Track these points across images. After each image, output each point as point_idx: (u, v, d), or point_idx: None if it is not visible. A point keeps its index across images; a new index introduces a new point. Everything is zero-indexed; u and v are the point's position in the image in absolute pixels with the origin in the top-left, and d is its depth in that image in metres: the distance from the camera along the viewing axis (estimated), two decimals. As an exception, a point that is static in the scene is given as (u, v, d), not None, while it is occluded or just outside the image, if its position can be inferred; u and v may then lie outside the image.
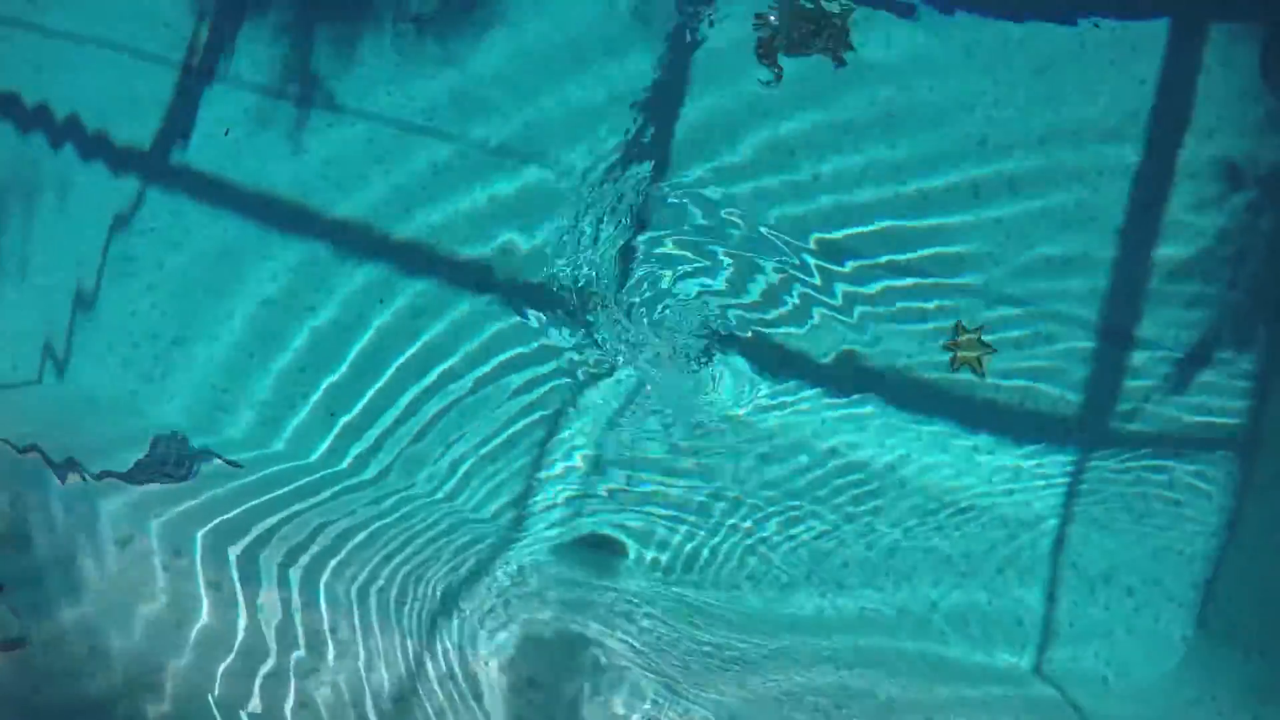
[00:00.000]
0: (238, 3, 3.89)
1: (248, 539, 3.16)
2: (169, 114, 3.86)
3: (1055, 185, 3.32)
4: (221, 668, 3.06)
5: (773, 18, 3.52)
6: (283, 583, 3.12)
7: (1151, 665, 3.19)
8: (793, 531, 3.45)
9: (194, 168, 3.84)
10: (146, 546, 3.13)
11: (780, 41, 3.51)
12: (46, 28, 3.85)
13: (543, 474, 3.57)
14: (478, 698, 3.02)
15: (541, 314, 3.61)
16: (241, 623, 3.11)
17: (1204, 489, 3.19)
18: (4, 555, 3.08)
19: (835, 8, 3.45)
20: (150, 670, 3.03)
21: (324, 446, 3.68)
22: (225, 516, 3.24)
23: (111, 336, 3.76)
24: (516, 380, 3.60)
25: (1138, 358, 3.24)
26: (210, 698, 3.06)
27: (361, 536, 3.30)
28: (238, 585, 3.11)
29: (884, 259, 3.42)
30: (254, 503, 3.33)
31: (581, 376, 3.57)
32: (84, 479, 3.14)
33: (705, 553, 3.47)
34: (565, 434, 3.57)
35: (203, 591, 3.10)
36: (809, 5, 3.47)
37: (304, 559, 3.16)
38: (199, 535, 3.17)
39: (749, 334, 3.48)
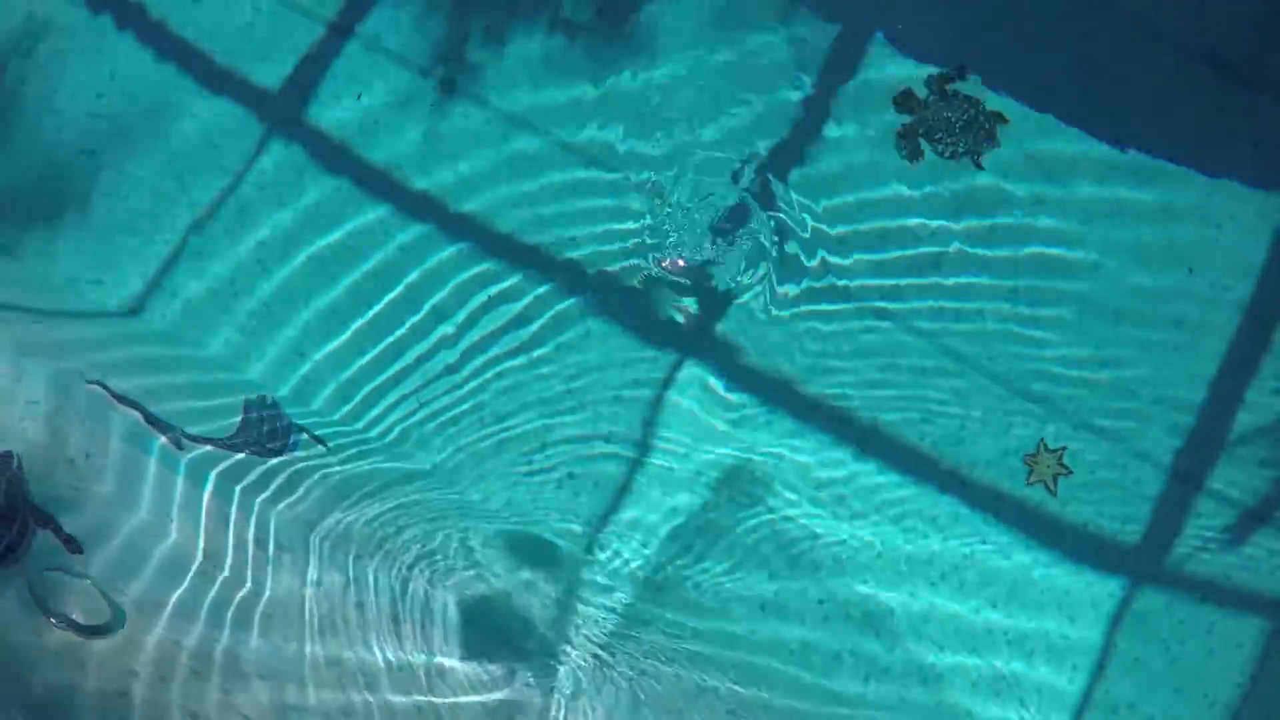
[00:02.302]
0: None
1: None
2: (302, 66, 3.96)
3: (1158, 325, 3.61)
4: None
5: (920, 98, 3.75)
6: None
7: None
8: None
9: (320, 126, 3.94)
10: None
11: (926, 127, 3.74)
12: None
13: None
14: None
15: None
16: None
17: (1238, 643, 3.50)
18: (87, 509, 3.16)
19: (990, 107, 3.70)
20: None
21: (396, 432, 3.80)
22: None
23: (212, 282, 3.84)
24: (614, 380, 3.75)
25: (1204, 504, 3.56)
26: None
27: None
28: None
29: (984, 364, 3.67)
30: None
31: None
32: (179, 444, 3.23)
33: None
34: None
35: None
36: (965, 96, 3.72)
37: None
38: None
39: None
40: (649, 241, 3.84)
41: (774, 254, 3.80)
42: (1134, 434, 3.63)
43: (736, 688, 3.56)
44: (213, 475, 3.29)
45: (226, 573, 3.08)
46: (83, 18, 3.99)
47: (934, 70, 3.80)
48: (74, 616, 2.99)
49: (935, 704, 3.62)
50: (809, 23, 3.91)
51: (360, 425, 3.74)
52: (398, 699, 3.17)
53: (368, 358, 3.81)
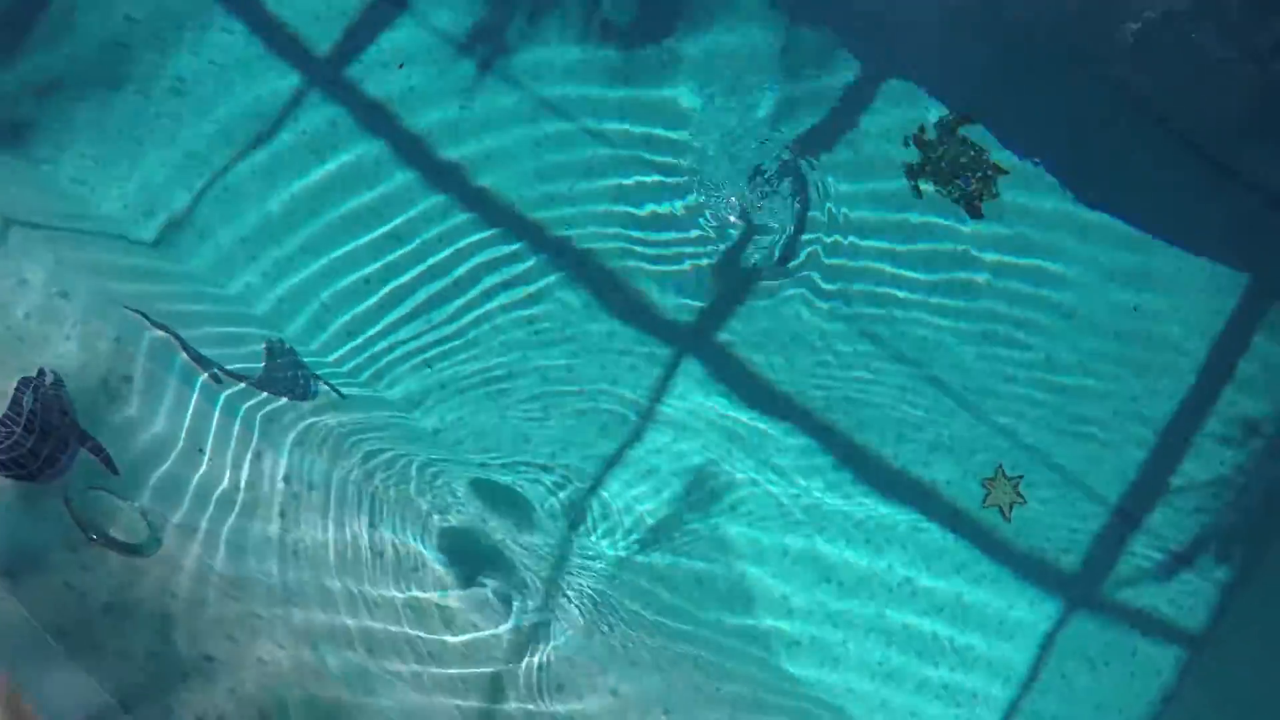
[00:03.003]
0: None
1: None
2: (352, 30, 4.10)
3: (1119, 375, 4.00)
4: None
5: (930, 138, 4.06)
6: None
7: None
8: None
9: (361, 88, 4.08)
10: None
11: (928, 165, 4.06)
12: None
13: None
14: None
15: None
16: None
17: (1157, 669, 3.90)
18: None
19: (994, 158, 4.04)
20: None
21: (403, 390, 3.97)
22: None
23: (240, 226, 3.96)
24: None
25: (1139, 542, 3.95)
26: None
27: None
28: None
29: (959, 392, 4.01)
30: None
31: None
32: (218, 379, 3.34)
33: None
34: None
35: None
36: (971, 142, 4.04)
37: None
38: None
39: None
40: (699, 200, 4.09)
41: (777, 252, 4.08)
42: (1086, 471, 4.00)
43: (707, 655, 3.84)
44: (243, 409, 3.43)
45: (257, 503, 3.23)
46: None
47: (944, 113, 4.13)
48: (112, 534, 3.09)
49: (882, 700, 3.95)
50: (827, 53, 4.21)
51: (370, 377, 3.93)
52: (414, 632, 3.36)
53: (387, 318, 3.99)
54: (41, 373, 3.25)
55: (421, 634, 3.31)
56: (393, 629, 3.30)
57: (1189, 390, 3.99)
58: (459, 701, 3.41)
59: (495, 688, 3.45)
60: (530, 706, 3.38)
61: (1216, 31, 3.96)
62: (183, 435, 3.28)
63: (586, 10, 4.20)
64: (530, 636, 3.45)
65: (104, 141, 4.04)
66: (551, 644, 3.44)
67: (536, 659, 3.44)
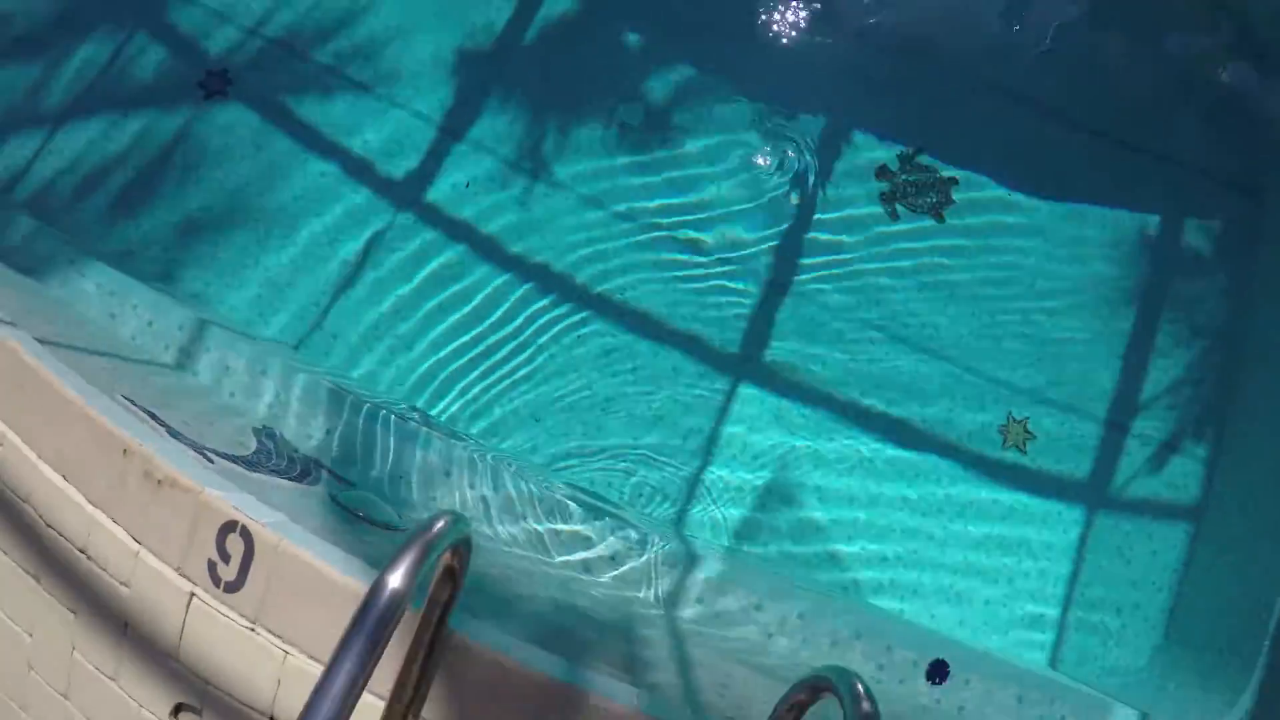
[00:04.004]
0: (484, 86, 5.20)
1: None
2: (424, 161, 5.05)
3: (1082, 328, 5.07)
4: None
5: (894, 169, 5.17)
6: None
7: (1133, 660, 4.69)
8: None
9: (438, 205, 5.02)
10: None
11: (899, 191, 5.16)
12: (352, 79, 5.04)
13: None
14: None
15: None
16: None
17: (1172, 543, 4.82)
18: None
19: (945, 174, 5.17)
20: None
21: (520, 440, 4.76)
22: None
23: (360, 324, 4.82)
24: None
25: (1131, 445, 4.94)
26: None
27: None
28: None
29: (962, 360, 5.03)
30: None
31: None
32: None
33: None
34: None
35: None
36: (925, 165, 5.18)
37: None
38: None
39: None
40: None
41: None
42: (1075, 400, 5.01)
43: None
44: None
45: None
46: (252, 122, 5.12)
47: (901, 149, 5.28)
48: (372, 515, 3.75)
49: (960, 618, 4.74)
50: (801, 118, 5.36)
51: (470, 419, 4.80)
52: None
53: (488, 377, 4.85)
54: (265, 427, 3.97)
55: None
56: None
57: (1136, 317, 5.11)
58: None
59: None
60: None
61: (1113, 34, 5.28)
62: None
63: (605, 119, 5.26)
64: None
65: (240, 272, 4.94)
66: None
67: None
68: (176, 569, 3.18)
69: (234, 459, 3.58)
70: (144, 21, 5.38)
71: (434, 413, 4.79)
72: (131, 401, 3.72)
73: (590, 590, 4.17)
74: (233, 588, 3.05)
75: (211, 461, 3.44)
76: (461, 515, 2.27)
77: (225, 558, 3.03)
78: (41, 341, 3.74)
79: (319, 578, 2.86)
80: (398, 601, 1.90)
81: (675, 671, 3.66)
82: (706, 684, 3.64)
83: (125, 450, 3.31)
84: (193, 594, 3.15)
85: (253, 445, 3.86)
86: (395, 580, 1.93)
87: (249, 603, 3.04)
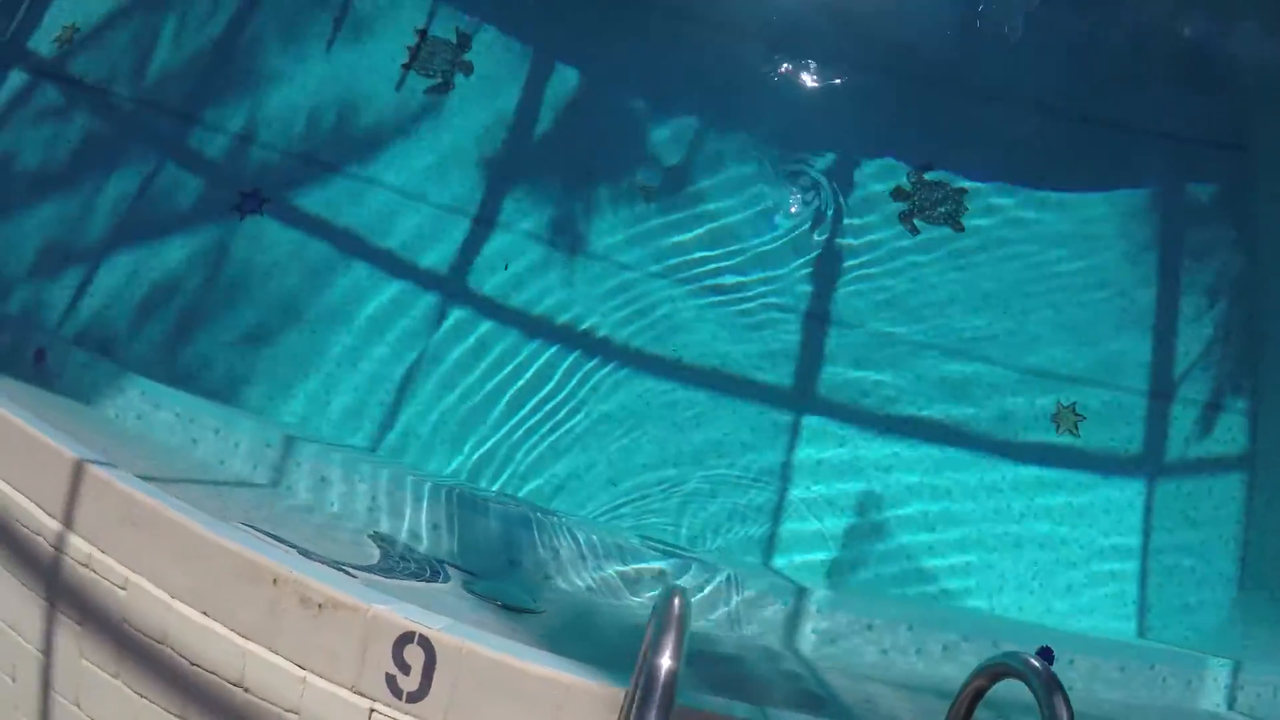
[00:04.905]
0: (506, 171, 5.36)
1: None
2: (461, 250, 5.19)
3: (1108, 309, 5.32)
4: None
5: (907, 189, 5.40)
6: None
7: (1214, 615, 4.91)
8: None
9: (483, 292, 5.16)
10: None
11: (915, 208, 5.38)
12: (381, 182, 5.17)
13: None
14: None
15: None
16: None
17: (1231, 495, 5.05)
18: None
19: (955, 184, 5.40)
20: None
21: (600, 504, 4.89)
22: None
23: (430, 417, 4.91)
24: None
25: (1177, 410, 5.21)
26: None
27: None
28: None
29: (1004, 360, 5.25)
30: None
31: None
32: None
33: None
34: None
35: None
36: (934, 180, 5.41)
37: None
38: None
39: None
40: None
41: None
42: (1115, 380, 5.25)
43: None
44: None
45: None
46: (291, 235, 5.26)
47: (910, 168, 5.52)
48: (509, 602, 3.84)
49: (1046, 606, 4.93)
50: (812, 155, 5.59)
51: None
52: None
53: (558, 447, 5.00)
54: (378, 533, 4.06)
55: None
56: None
57: (1158, 287, 5.42)
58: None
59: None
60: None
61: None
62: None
63: (626, 185, 5.46)
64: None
65: (302, 380, 5.08)
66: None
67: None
68: (351, 688, 3.27)
69: (371, 570, 3.67)
70: (170, 151, 5.58)
71: (520, 492, 4.91)
72: (253, 527, 3.80)
73: (718, 635, 4.30)
74: (416, 697, 3.13)
75: (354, 576, 3.52)
76: (683, 588, 2.39)
77: (404, 669, 3.12)
78: (145, 478, 3.80)
79: (511, 674, 2.96)
80: (672, 681, 2.00)
81: (832, 698, 3.80)
82: (858, 705, 3.78)
83: (275, 579, 3.39)
84: (372, 709, 3.23)
85: (376, 553, 3.95)
86: (666, 660, 2.04)
87: (435, 709, 3.13)
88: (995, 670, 2.82)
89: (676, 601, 2.22)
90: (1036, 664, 2.59)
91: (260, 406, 5.06)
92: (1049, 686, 2.48)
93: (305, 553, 3.69)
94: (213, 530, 3.54)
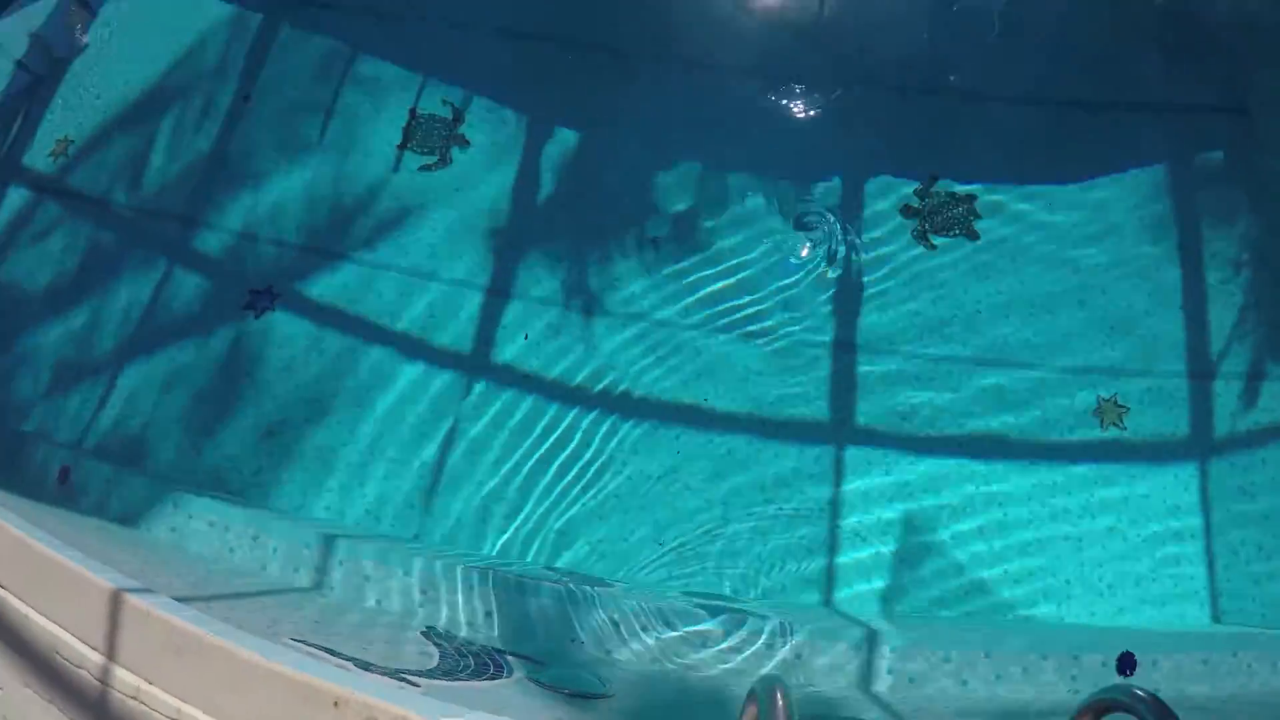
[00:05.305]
0: (513, 240, 5.31)
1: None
2: (478, 326, 5.12)
3: (1136, 296, 5.24)
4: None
5: (915, 205, 5.31)
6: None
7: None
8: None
9: (505, 361, 5.09)
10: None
11: (927, 223, 5.29)
12: (391, 265, 5.15)
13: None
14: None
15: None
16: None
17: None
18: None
19: (962, 192, 5.32)
20: None
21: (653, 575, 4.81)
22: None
23: (466, 496, 4.86)
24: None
25: (1219, 386, 5.12)
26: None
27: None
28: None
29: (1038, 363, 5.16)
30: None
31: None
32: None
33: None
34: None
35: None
36: (942, 191, 5.33)
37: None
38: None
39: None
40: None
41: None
42: (1153, 365, 5.16)
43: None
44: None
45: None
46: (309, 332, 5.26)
47: (916, 183, 5.44)
48: (576, 689, 3.81)
49: (1118, 607, 4.81)
50: (816, 186, 5.52)
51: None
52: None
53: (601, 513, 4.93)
54: (431, 628, 4.00)
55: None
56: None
57: (1181, 264, 5.33)
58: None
59: None
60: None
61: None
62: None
63: (635, 239, 5.42)
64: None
65: (331, 473, 5.01)
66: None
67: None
68: (429, 806, 3.18)
69: (432, 674, 3.59)
70: (177, 255, 5.56)
71: (563, 559, 4.84)
72: (304, 641, 3.72)
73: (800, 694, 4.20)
74: (497, 809, 3.05)
75: (417, 685, 3.45)
76: (780, 679, 2.30)
77: (483, 781, 3.03)
78: (183, 600, 3.72)
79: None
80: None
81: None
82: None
83: (336, 701, 3.31)
84: (455, 826, 3.15)
85: (435, 652, 3.87)
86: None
87: (519, 820, 3.05)
88: (1102, 705, 2.73)
89: (779, 695, 2.14)
90: (1142, 694, 2.50)
91: (293, 503, 5.00)
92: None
93: (363, 664, 3.62)
94: (261, 654, 3.46)
